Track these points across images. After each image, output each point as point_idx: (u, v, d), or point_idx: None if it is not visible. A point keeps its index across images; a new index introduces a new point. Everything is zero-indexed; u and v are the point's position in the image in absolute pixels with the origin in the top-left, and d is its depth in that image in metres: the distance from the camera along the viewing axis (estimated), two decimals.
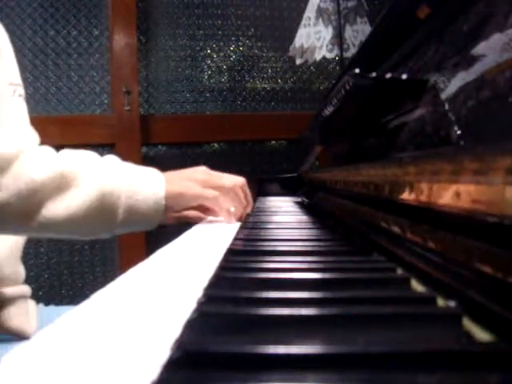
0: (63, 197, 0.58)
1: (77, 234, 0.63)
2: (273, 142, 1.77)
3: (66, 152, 0.62)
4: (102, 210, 0.59)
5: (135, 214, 0.61)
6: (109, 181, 0.60)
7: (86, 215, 0.58)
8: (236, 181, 0.71)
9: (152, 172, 0.65)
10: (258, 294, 0.26)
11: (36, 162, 0.57)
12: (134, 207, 0.61)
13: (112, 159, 0.65)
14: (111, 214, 0.60)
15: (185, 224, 0.70)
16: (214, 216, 0.72)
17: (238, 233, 0.54)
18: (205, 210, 0.73)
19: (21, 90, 0.80)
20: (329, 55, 1.52)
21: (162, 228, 0.84)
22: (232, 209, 0.70)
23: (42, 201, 0.57)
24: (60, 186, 0.58)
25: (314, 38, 1.52)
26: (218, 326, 0.22)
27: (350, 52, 1.51)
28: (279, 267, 0.34)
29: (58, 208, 0.57)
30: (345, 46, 1.51)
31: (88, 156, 0.63)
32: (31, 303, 0.78)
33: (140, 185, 0.62)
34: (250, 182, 0.76)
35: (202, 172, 0.70)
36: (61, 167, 0.58)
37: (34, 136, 0.84)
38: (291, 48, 1.57)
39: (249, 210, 0.74)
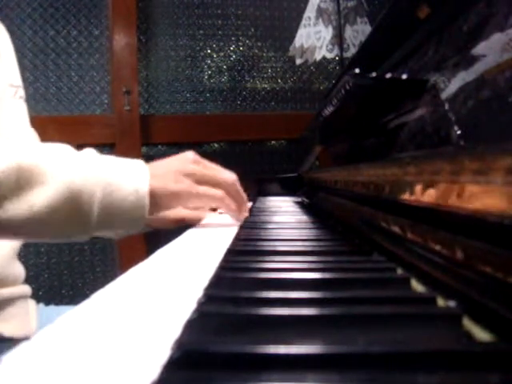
0: (24, 195, 0.50)
1: (45, 236, 0.56)
2: (273, 141, 1.77)
3: (30, 145, 0.54)
4: (72, 210, 0.51)
5: (113, 215, 0.54)
6: (80, 176, 0.52)
7: (52, 215, 0.51)
8: (229, 175, 0.63)
9: (135, 165, 0.57)
10: (258, 294, 0.26)
11: None
12: (111, 206, 0.53)
13: (88, 152, 0.57)
14: (84, 214, 0.52)
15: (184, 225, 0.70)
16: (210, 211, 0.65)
17: (238, 233, 0.54)
18: (201, 207, 0.66)
19: (21, 92, 0.80)
20: (329, 55, 1.52)
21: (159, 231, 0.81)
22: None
23: None
24: (20, 182, 0.50)
25: (314, 37, 1.52)
26: (218, 326, 0.22)
27: (350, 52, 1.52)
28: (279, 267, 0.34)
29: (18, 207, 0.50)
30: (345, 45, 1.51)
31: (58, 149, 0.55)
32: (31, 303, 0.78)
33: (119, 180, 0.54)
34: (250, 182, 0.73)
35: (192, 162, 0.61)
36: (20, 161, 0.50)
37: (34, 137, 0.83)
38: (291, 48, 1.57)
39: (246, 207, 0.68)
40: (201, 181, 0.59)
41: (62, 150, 0.54)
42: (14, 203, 0.50)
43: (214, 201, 0.60)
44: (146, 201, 0.54)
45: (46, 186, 0.51)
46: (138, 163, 0.57)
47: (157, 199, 0.56)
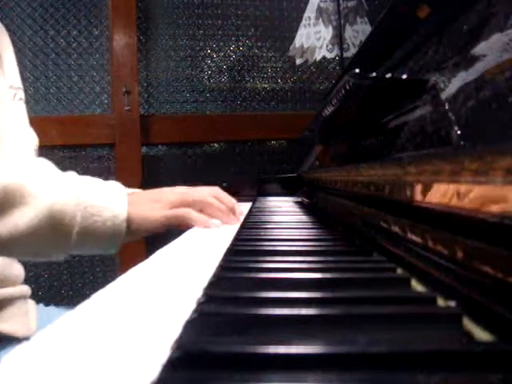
0: (9, 215, 0.52)
1: (25, 254, 0.59)
2: (273, 141, 1.77)
3: (15, 164, 0.56)
4: (53, 231, 0.53)
5: (92, 237, 0.56)
6: (62, 199, 0.54)
7: (34, 236, 0.53)
8: (206, 191, 0.67)
9: (114, 191, 0.59)
10: (258, 294, 0.26)
11: None
12: (90, 229, 0.55)
13: (70, 175, 0.59)
14: (64, 235, 0.54)
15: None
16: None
17: (238, 233, 0.54)
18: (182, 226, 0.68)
19: (21, 94, 0.80)
20: (329, 55, 1.52)
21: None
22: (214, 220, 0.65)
23: None
24: (5, 202, 0.52)
25: (313, 37, 1.52)
26: (218, 326, 0.22)
27: (350, 52, 1.52)
28: (279, 267, 0.34)
29: (2, 227, 0.52)
30: (345, 45, 1.51)
31: (42, 170, 0.57)
32: (31, 303, 0.78)
33: (99, 205, 0.56)
34: (250, 182, 0.73)
35: (171, 192, 0.65)
36: (6, 181, 0.52)
37: (32, 138, 0.83)
38: (291, 48, 1.57)
39: (237, 213, 0.70)
40: (174, 205, 0.63)
41: (45, 172, 0.57)
42: None
43: (181, 220, 0.62)
44: (123, 226, 0.57)
45: (29, 207, 0.52)
46: (118, 188, 0.60)
47: (134, 225, 0.59)
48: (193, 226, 0.63)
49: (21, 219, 0.52)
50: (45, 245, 0.55)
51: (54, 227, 0.53)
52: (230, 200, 0.69)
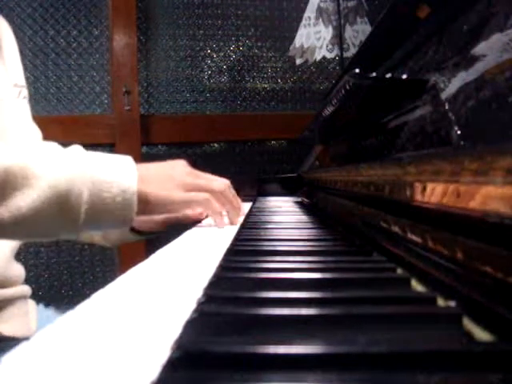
0: (11, 198, 0.50)
1: (33, 236, 0.58)
2: (273, 141, 1.77)
3: (16, 147, 0.54)
4: (60, 211, 0.51)
5: (101, 214, 0.53)
6: (67, 177, 0.51)
7: (40, 217, 0.51)
8: (224, 182, 0.65)
9: (123, 163, 0.56)
10: (258, 294, 0.26)
11: None
12: (98, 206, 0.52)
13: (75, 150, 0.55)
14: (71, 214, 0.52)
15: (184, 225, 0.70)
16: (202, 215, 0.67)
17: (238, 233, 0.54)
18: (193, 216, 0.67)
19: (25, 92, 0.80)
20: (329, 55, 1.52)
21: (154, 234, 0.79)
22: (224, 212, 0.65)
23: None
24: (7, 185, 0.50)
25: (313, 38, 1.52)
26: (218, 326, 0.22)
27: (350, 52, 1.52)
28: (279, 267, 0.34)
29: (5, 211, 0.50)
30: (345, 45, 1.51)
31: (45, 149, 0.54)
32: (31, 304, 0.78)
33: (107, 179, 0.53)
34: (250, 182, 0.73)
35: (184, 172, 0.62)
36: (6, 164, 0.50)
37: (36, 134, 0.83)
38: (291, 48, 1.57)
39: (240, 211, 0.70)
40: (190, 190, 0.60)
41: (48, 150, 0.54)
42: (1, 207, 0.50)
43: (199, 205, 0.61)
44: (134, 202, 0.54)
45: (32, 189, 0.50)
46: (127, 161, 0.57)
47: (144, 202, 0.55)
48: (201, 216, 0.62)
49: (24, 202, 0.50)
50: (52, 226, 0.53)
51: (60, 207, 0.51)
52: (237, 197, 0.69)
